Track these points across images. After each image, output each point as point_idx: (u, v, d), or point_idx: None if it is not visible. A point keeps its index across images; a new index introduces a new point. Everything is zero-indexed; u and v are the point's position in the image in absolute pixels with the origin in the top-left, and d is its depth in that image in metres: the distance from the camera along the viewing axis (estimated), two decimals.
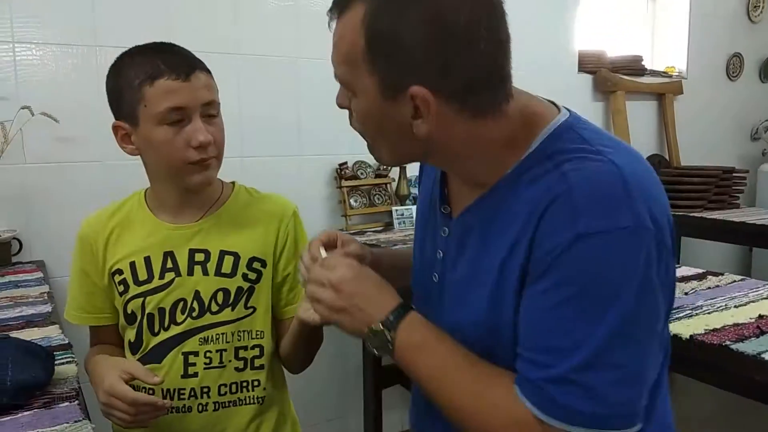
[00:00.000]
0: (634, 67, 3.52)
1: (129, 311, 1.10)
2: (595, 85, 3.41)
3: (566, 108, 0.80)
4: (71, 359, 1.19)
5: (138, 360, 1.11)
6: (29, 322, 1.39)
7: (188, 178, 1.05)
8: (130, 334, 1.12)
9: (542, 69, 2.93)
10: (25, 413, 0.99)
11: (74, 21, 2.10)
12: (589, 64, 3.35)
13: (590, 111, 3.46)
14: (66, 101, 2.09)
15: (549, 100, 0.81)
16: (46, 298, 1.67)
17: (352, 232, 2.52)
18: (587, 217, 0.64)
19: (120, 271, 1.09)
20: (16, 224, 2.10)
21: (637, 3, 3.81)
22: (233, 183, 1.20)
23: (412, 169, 2.72)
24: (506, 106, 0.73)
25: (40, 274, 1.95)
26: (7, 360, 1.01)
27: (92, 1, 2.11)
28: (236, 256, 1.10)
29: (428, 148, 0.76)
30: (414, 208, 2.63)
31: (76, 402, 1.04)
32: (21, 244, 2.10)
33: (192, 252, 1.10)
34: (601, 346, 0.64)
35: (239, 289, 1.10)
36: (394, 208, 2.62)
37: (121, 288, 1.10)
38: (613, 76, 3.38)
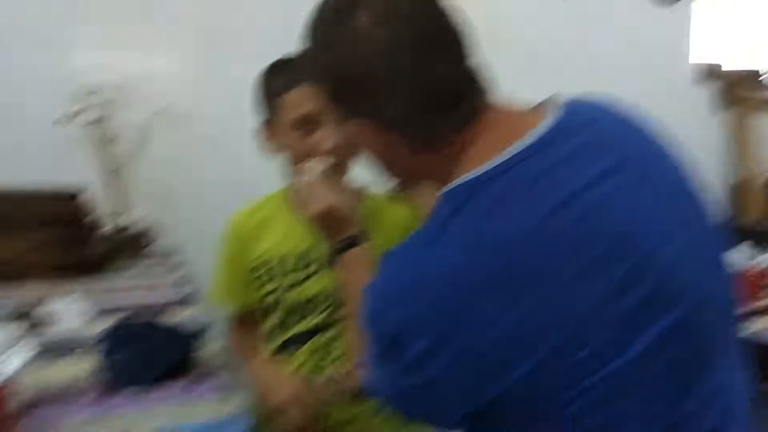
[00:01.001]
0: (754, 80, 3.34)
1: (267, 303, 1.17)
2: (714, 99, 3.26)
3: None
4: (206, 343, 1.30)
5: (273, 352, 1.18)
6: (166, 305, 1.51)
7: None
8: (268, 324, 1.19)
9: (656, 81, 2.83)
10: (173, 389, 1.09)
11: (209, 27, 2.28)
12: (707, 77, 3.21)
13: (708, 127, 3.31)
14: (198, 102, 2.27)
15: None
16: (179, 284, 1.81)
17: None
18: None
19: (261, 265, 1.16)
20: (151, 216, 2.29)
21: (757, 13, 3.61)
22: (363, 187, 1.25)
23: None
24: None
25: (172, 262, 2.11)
26: (156, 342, 1.12)
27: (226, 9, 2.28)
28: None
29: None
30: None
31: (218, 379, 1.13)
32: (155, 235, 2.28)
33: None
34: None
35: None
36: None
37: (263, 279, 1.16)
38: (734, 90, 3.22)
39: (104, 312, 1.48)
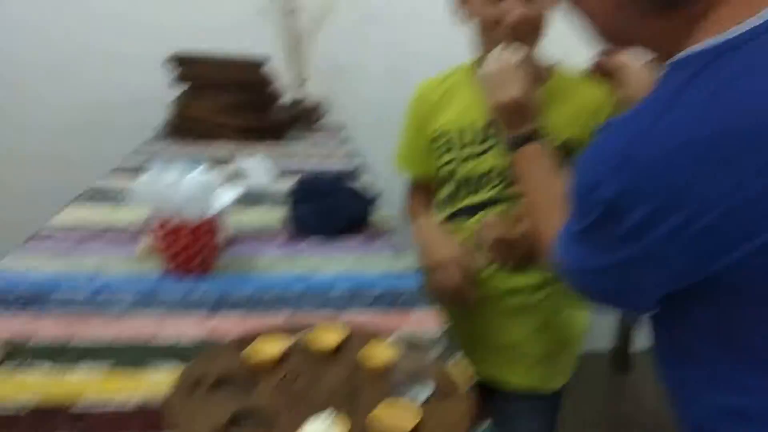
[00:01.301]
0: None
1: (445, 172, 1.18)
2: None
3: None
4: (381, 206, 1.37)
5: (445, 220, 1.22)
6: (341, 172, 1.61)
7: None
8: (442, 194, 1.22)
9: None
10: (353, 241, 1.18)
11: None
12: None
13: None
14: None
15: None
16: (350, 155, 1.91)
17: None
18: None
19: (443, 134, 1.18)
20: (325, 91, 2.39)
21: None
22: (557, 62, 1.19)
23: None
24: None
25: (342, 137, 2.22)
26: (339, 198, 1.20)
27: None
28: (551, 136, 1.11)
29: None
30: None
31: (393, 239, 1.20)
32: (327, 109, 2.39)
33: None
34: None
35: None
36: None
37: (442, 150, 1.19)
38: None
39: (285, 173, 1.61)
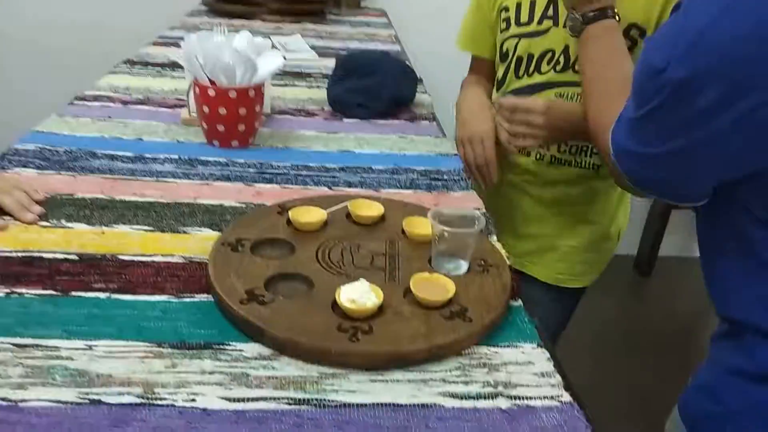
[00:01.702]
0: None
1: (504, 49, 1.14)
2: None
3: None
4: (424, 90, 1.33)
5: (501, 97, 1.14)
6: (384, 51, 1.55)
7: None
8: (499, 72, 1.17)
9: None
10: (395, 121, 1.15)
11: None
12: None
13: None
14: None
15: None
16: (393, 39, 1.84)
17: None
18: None
19: (507, 9, 1.12)
20: None
21: None
22: None
23: None
24: None
25: (384, 20, 2.13)
26: (387, 73, 1.16)
27: None
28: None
29: None
30: None
31: (435, 123, 1.17)
32: None
33: None
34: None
35: None
36: None
37: (503, 25, 1.13)
38: None
39: (327, 52, 1.56)
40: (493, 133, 1.04)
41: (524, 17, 1.08)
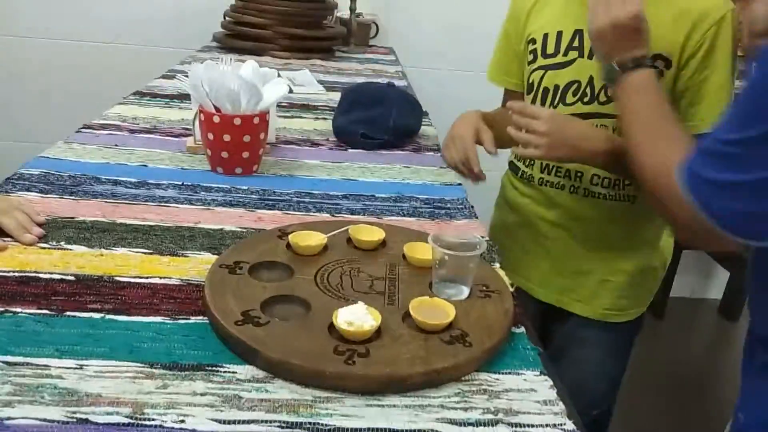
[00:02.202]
0: None
1: (530, 81, 1.12)
2: None
3: None
4: (429, 123, 1.34)
5: None
6: (390, 82, 1.57)
7: None
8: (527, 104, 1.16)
9: None
10: (400, 152, 1.15)
11: None
12: None
13: None
14: None
15: None
16: (400, 75, 1.86)
17: None
18: None
19: (534, 41, 1.11)
20: (377, 10, 2.32)
21: None
22: None
23: None
24: None
25: (392, 57, 2.16)
26: (393, 104, 1.16)
27: None
28: None
29: None
30: None
31: (439, 154, 1.17)
32: (378, 29, 2.33)
33: None
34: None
35: None
36: None
37: (530, 57, 1.11)
38: None
39: (335, 87, 1.58)
40: (474, 135, 1.05)
41: (551, 49, 1.08)
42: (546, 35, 1.08)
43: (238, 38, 1.95)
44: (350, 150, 1.15)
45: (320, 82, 1.64)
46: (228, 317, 0.58)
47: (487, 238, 0.84)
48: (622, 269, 1.14)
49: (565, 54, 1.06)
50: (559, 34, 1.07)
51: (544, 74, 1.09)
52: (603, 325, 1.16)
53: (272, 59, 1.87)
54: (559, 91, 1.07)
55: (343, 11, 2.21)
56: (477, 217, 0.91)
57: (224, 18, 2.02)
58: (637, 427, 2.05)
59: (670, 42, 0.99)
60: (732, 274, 2.68)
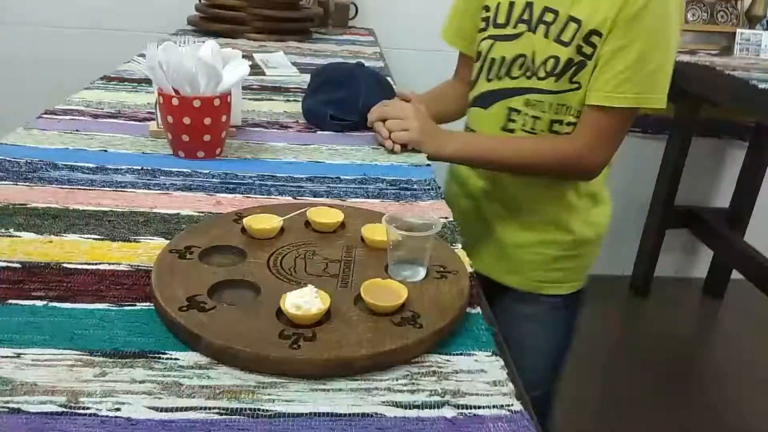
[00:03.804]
0: None
1: (479, 49, 1.14)
2: None
3: None
4: None
5: (472, 99, 1.17)
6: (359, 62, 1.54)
7: None
8: (473, 73, 1.17)
9: None
10: (370, 133, 1.13)
11: None
12: None
13: None
14: None
15: None
16: (378, 56, 1.83)
17: (680, 51, 2.22)
18: None
19: (488, 8, 1.12)
20: None
21: None
22: None
23: None
24: None
25: (371, 38, 2.13)
26: (361, 85, 1.14)
27: None
28: (579, 25, 1.03)
29: None
30: (766, 34, 2.21)
31: None
32: (357, 10, 2.29)
33: (545, 9, 1.06)
34: None
35: (569, 61, 1.05)
36: (739, 31, 2.23)
37: (483, 24, 1.12)
38: None
39: (309, 69, 1.55)
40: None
41: (501, 18, 1.09)
42: (499, 4, 1.09)
43: (212, 21, 1.92)
44: (319, 132, 1.13)
45: (295, 64, 1.62)
46: (172, 303, 0.56)
47: (450, 219, 0.82)
48: (553, 240, 1.16)
49: (515, 26, 1.07)
50: (512, 5, 1.08)
51: (492, 44, 1.10)
52: (536, 297, 1.18)
53: (247, 41, 1.84)
54: (506, 63, 1.08)
55: None
56: (443, 198, 0.90)
57: (199, 0, 1.99)
58: (622, 406, 2.06)
59: (604, 16, 1.00)
60: (715, 253, 2.68)
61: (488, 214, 1.20)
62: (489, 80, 1.12)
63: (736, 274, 2.56)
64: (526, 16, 1.06)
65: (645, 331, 2.51)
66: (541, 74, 1.07)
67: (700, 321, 2.71)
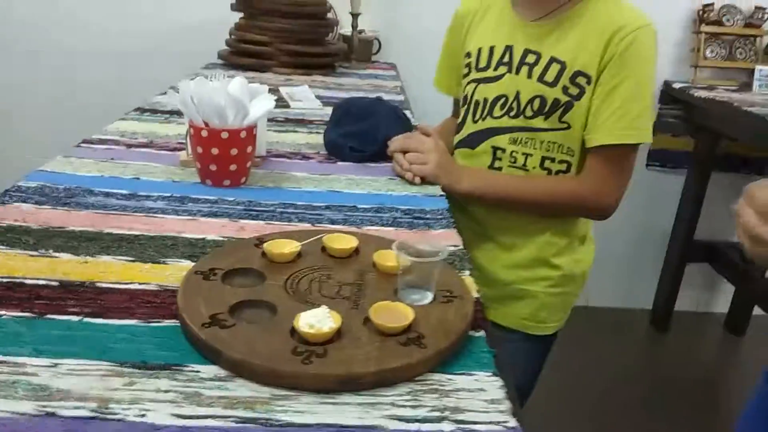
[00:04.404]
0: None
1: (464, 93, 1.19)
2: None
3: None
4: None
5: (457, 141, 1.23)
6: (380, 97, 1.60)
7: None
8: (460, 116, 1.23)
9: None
10: (387, 164, 1.18)
11: None
12: None
13: None
14: None
15: None
16: (399, 90, 1.90)
17: (699, 86, 2.25)
18: None
19: (469, 54, 1.17)
20: (379, 26, 2.36)
21: None
22: None
23: None
24: None
25: (393, 73, 2.20)
26: (380, 119, 1.20)
27: None
28: (562, 66, 1.07)
29: None
30: None
31: None
32: (380, 45, 2.37)
33: (526, 52, 1.11)
34: None
35: (556, 101, 1.09)
36: (758, 67, 2.26)
37: (466, 70, 1.18)
38: None
39: (333, 102, 1.62)
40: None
41: (483, 62, 1.15)
42: (480, 49, 1.15)
43: (241, 55, 2.00)
44: (339, 163, 1.18)
45: (319, 97, 1.68)
46: (196, 320, 0.61)
47: (461, 247, 0.86)
48: (541, 276, 1.18)
49: (495, 68, 1.13)
50: (492, 48, 1.14)
51: (476, 87, 1.16)
52: (521, 335, 1.20)
53: (274, 75, 1.92)
54: (488, 105, 1.14)
55: (346, 28, 2.27)
56: (455, 227, 0.94)
57: (229, 36, 2.08)
58: None
59: (590, 59, 1.05)
60: (737, 289, 2.66)
61: (477, 251, 1.22)
62: (475, 122, 1.17)
63: (757, 310, 2.54)
64: (506, 59, 1.12)
65: (665, 366, 2.49)
66: (529, 113, 1.11)
67: (721, 357, 2.68)
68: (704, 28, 2.25)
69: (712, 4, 2.26)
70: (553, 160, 1.13)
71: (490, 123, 1.14)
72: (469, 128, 1.19)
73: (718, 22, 2.26)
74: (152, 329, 0.63)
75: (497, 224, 1.20)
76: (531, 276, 1.18)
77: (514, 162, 1.15)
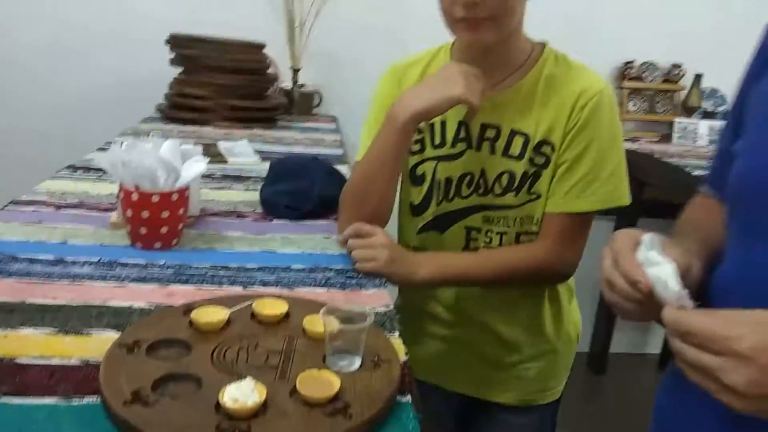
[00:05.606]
0: None
1: (419, 173, 1.10)
2: None
3: None
4: None
5: (420, 227, 1.13)
6: (325, 160, 1.63)
7: (459, 36, 1.00)
8: (415, 197, 1.12)
9: None
10: (323, 221, 1.20)
11: None
12: None
13: None
14: None
15: None
16: (338, 144, 1.93)
17: (624, 138, 2.38)
18: None
19: (420, 131, 1.07)
20: (320, 80, 2.41)
21: None
22: (544, 45, 1.07)
23: (708, 80, 2.44)
24: None
25: (333, 126, 2.24)
26: (316, 176, 1.22)
27: None
28: (526, 138, 1.03)
29: None
30: (702, 123, 2.39)
31: None
32: (321, 98, 2.41)
33: (484, 127, 1.05)
34: None
35: (524, 174, 1.04)
36: (677, 120, 2.41)
37: (417, 147, 1.09)
38: None
39: (272, 157, 1.63)
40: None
41: (437, 139, 1.08)
42: (433, 125, 1.08)
43: (180, 109, 2.00)
44: (275, 221, 1.19)
45: (258, 151, 1.69)
46: (117, 398, 0.60)
47: (391, 307, 0.88)
48: (539, 352, 1.17)
49: (453, 146, 1.07)
50: (443, 124, 1.08)
51: (436, 165, 1.09)
52: (531, 408, 1.18)
53: (212, 129, 1.92)
54: (454, 184, 1.08)
55: (286, 82, 2.30)
56: (386, 287, 0.95)
57: (169, 89, 2.08)
58: None
59: (553, 127, 1.02)
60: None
61: (467, 338, 1.17)
62: (439, 203, 1.10)
63: None
64: (462, 135, 1.06)
65: (602, 408, 2.53)
66: (498, 190, 1.06)
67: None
68: (626, 83, 2.40)
69: (633, 62, 2.42)
70: (527, 233, 1.08)
71: (459, 203, 1.08)
72: (435, 210, 1.11)
73: (639, 78, 2.41)
74: (73, 409, 0.61)
75: (477, 313, 1.14)
76: (528, 354, 1.16)
77: (490, 242, 1.09)
